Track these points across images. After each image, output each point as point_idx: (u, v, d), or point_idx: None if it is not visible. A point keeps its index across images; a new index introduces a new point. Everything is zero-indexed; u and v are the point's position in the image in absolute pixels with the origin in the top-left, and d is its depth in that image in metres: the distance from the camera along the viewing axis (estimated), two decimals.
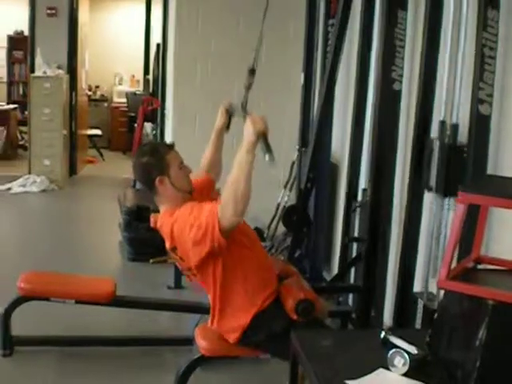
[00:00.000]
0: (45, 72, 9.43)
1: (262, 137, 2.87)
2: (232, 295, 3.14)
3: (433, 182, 3.38)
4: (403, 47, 3.96)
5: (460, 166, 3.21)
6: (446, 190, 3.30)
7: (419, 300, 3.57)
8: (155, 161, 3.15)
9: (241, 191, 2.83)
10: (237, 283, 3.13)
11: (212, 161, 3.56)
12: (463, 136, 3.26)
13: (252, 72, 3.39)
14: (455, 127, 3.29)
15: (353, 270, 4.81)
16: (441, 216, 3.42)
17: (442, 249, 3.40)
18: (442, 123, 3.36)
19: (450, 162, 3.27)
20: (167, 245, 3.22)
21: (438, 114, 3.48)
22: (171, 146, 3.26)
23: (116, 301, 4.26)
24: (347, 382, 2.14)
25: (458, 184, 2.86)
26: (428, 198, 3.58)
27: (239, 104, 3.40)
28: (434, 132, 3.50)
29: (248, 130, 2.88)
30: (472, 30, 3.16)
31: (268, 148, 2.83)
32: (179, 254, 3.18)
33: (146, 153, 3.21)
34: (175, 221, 3.08)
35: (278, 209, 6.02)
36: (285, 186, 6.07)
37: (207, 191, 3.42)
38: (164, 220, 3.18)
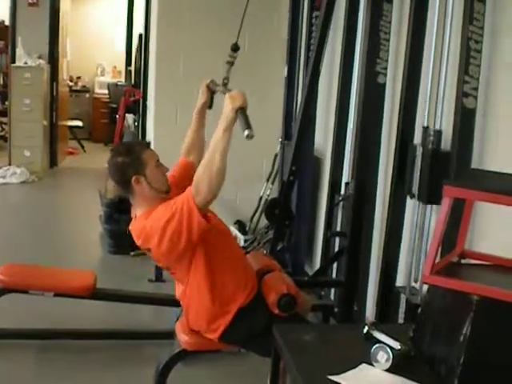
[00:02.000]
0: (26, 62, 9.37)
1: (241, 112, 2.81)
2: (211, 295, 3.10)
3: (415, 189, 3.38)
4: (388, 40, 3.94)
5: (443, 174, 3.18)
6: (429, 197, 3.29)
7: (402, 295, 3.56)
8: (131, 160, 3.07)
9: (215, 167, 2.80)
10: (215, 282, 3.09)
11: (194, 140, 3.48)
12: (447, 142, 3.24)
13: (235, 48, 3.33)
14: (439, 133, 3.28)
15: (335, 265, 4.79)
16: (424, 216, 3.41)
17: (426, 243, 3.39)
18: (425, 129, 3.35)
19: (433, 169, 3.25)
20: (140, 244, 3.15)
21: (421, 119, 3.48)
22: (147, 145, 3.22)
23: (96, 294, 4.22)
24: (330, 376, 2.11)
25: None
26: (410, 204, 3.57)
27: (221, 81, 3.34)
28: (418, 138, 3.50)
29: (227, 107, 2.84)
30: (458, 23, 3.15)
31: (247, 123, 2.77)
32: (153, 255, 3.14)
33: (121, 152, 3.13)
34: (149, 220, 3.01)
35: (260, 202, 6.00)
36: (267, 179, 6.05)
37: (188, 180, 3.33)
38: (139, 222, 3.10)
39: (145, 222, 3.03)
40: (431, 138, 3.30)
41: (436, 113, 3.30)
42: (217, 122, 2.86)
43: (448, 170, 3.15)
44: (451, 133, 3.19)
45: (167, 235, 2.92)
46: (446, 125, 3.27)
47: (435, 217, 3.39)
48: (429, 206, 3.39)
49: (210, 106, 3.43)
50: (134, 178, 3.04)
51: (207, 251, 3.05)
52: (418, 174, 3.34)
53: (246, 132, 2.73)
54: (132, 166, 3.06)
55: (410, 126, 3.62)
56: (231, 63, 3.36)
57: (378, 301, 3.87)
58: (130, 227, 3.17)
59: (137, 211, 3.16)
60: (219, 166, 2.80)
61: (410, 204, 3.62)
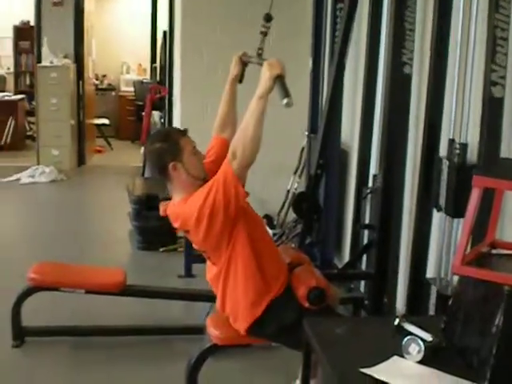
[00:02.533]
0: (51, 62, 9.44)
1: (279, 81, 2.80)
2: (251, 279, 3.10)
3: (442, 201, 3.35)
4: (413, 30, 3.90)
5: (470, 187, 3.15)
6: (456, 211, 3.26)
7: (432, 286, 3.54)
8: (168, 146, 3.09)
9: (250, 132, 2.83)
10: (256, 266, 3.09)
11: (226, 114, 3.44)
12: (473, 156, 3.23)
13: (268, 17, 3.29)
14: (464, 146, 3.26)
15: (364, 257, 4.77)
16: (451, 234, 3.41)
17: (455, 234, 3.37)
18: (452, 142, 3.33)
19: (460, 184, 3.22)
20: (178, 226, 3.18)
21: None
22: (184, 132, 3.21)
23: (126, 290, 4.25)
24: (362, 369, 2.11)
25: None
26: (437, 216, 3.56)
27: (254, 53, 3.27)
28: (443, 151, 3.49)
29: (264, 75, 2.83)
30: (483, 12, 3.11)
31: (286, 91, 2.75)
32: (192, 236, 3.15)
33: (159, 138, 3.16)
34: (188, 202, 3.04)
35: (287, 196, 5.99)
36: (294, 173, 6.04)
37: (222, 159, 3.18)
38: (177, 207, 3.13)
39: (183, 205, 3.05)
40: (457, 152, 3.29)
41: (462, 123, 3.28)
42: (248, 97, 2.85)
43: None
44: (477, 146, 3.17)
45: (205, 211, 2.94)
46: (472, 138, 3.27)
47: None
48: (455, 226, 3.39)
49: (241, 80, 3.38)
50: (171, 164, 3.06)
51: (248, 233, 3.06)
52: (445, 187, 3.32)
53: (285, 100, 2.71)
54: (169, 152, 3.08)
55: (436, 138, 3.62)
56: (265, 33, 3.29)
57: (409, 293, 3.84)
58: (168, 211, 3.20)
59: (174, 197, 3.18)
60: (254, 132, 2.83)
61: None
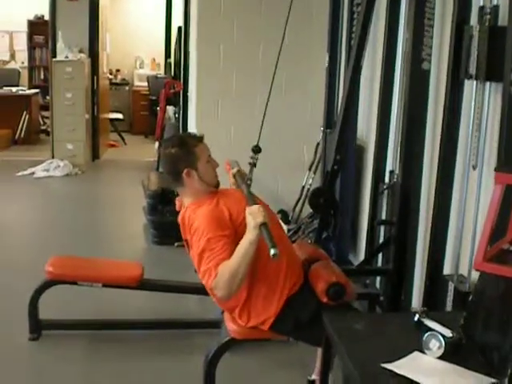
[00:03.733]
0: (67, 56, 9.47)
1: (264, 228, 2.85)
2: (258, 286, 3.14)
3: (473, 68, 3.25)
4: (432, 26, 3.89)
5: (501, 49, 3.04)
6: (488, 74, 3.18)
7: (450, 283, 3.53)
8: (183, 153, 3.12)
9: (238, 280, 2.90)
10: (256, 279, 3.12)
11: None
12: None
13: (257, 149, 3.38)
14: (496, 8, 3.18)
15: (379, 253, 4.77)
16: (482, 104, 3.31)
17: (474, 230, 3.36)
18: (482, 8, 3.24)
19: (491, 46, 3.12)
20: (183, 236, 3.22)
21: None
22: (200, 138, 3.22)
23: (144, 284, 4.27)
24: (383, 365, 2.12)
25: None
26: (468, 86, 3.47)
27: (242, 175, 3.37)
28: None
29: (249, 225, 2.88)
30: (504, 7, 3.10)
31: (271, 240, 2.79)
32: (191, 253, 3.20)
33: (175, 144, 3.17)
34: (195, 223, 3.07)
35: (302, 191, 5.99)
36: (309, 168, 6.04)
37: None
38: (189, 214, 3.15)
39: (192, 217, 3.08)
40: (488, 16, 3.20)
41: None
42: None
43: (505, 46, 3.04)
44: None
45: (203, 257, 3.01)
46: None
47: (494, 99, 3.29)
48: (487, 93, 3.28)
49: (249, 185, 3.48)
50: (185, 171, 3.08)
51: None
52: (476, 53, 3.22)
53: (272, 251, 2.74)
54: (184, 159, 3.10)
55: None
56: (253, 164, 3.64)
57: (426, 289, 3.84)
58: (180, 217, 3.22)
59: (184, 201, 3.20)
60: (242, 277, 2.91)
61: (458, 179, 3.58)
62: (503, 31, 3.04)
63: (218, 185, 3.20)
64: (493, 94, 3.26)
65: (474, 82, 3.31)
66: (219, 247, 2.94)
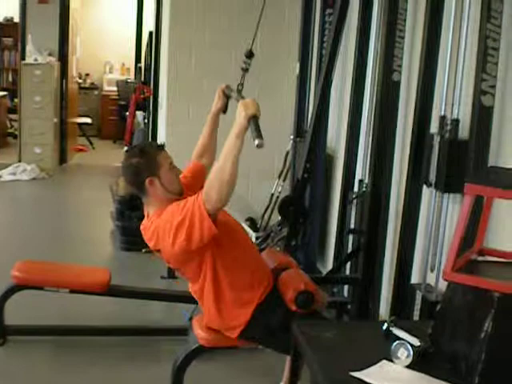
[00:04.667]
0: (36, 59, 9.39)
1: (253, 121, 2.80)
2: (224, 296, 3.12)
3: (432, 177, 3.37)
4: (403, 37, 3.94)
5: (461, 162, 3.18)
6: (447, 186, 3.29)
7: (417, 291, 3.56)
8: (145, 162, 3.08)
9: (226, 175, 2.80)
10: (227, 283, 3.11)
11: (206, 144, 3.49)
12: (464, 131, 3.24)
13: (250, 55, 3.34)
14: (456, 122, 3.28)
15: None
16: (440, 212, 3.42)
17: (442, 239, 3.40)
18: (443, 118, 3.35)
19: (451, 158, 3.24)
20: (151, 246, 3.17)
21: (437, 109, 3.48)
22: (161, 147, 3.22)
23: (111, 290, 4.24)
24: (351, 373, 2.12)
25: (458, 180, 2.86)
26: (427, 192, 3.58)
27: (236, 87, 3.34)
28: (434, 127, 3.50)
29: (240, 115, 2.83)
30: (474, 21, 3.14)
31: (258, 132, 2.76)
32: (164, 256, 3.15)
33: (136, 154, 3.14)
34: (161, 221, 3.03)
35: (271, 199, 6.00)
36: (279, 176, 6.05)
37: (200, 182, 3.28)
38: (150, 223, 3.11)
39: (157, 221, 3.04)
40: (448, 127, 3.31)
41: (452, 113, 3.31)
42: (228, 129, 2.87)
43: (465, 159, 3.16)
44: (468, 136, 3.21)
45: (179, 238, 2.92)
46: (463, 114, 3.29)
47: (452, 207, 3.40)
48: (445, 197, 3.40)
49: (225, 111, 3.45)
50: (147, 180, 3.06)
51: (216, 253, 3.06)
52: (436, 162, 3.33)
53: (257, 141, 2.71)
54: (146, 168, 3.07)
55: (426, 115, 3.63)
56: (246, 70, 3.38)
57: (393, 297, 3.87)
58: (142, 227, 3.19)
59: (149, 210, 3.18)
60: (230, 175, 2.80)
61: (426, 197, 3.62)
62: (464, 144, 3.17)
63: (182, 192, 3.17)
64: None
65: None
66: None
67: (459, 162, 3.21)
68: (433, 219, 3.48)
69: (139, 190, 3.13)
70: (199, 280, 3.14)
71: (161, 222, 3.01)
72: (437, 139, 3.34)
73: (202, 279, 3.12)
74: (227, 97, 3.40)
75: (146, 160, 3.09)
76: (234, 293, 3.13)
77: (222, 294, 3.12)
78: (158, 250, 3.14)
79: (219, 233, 2.95)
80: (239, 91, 3.29)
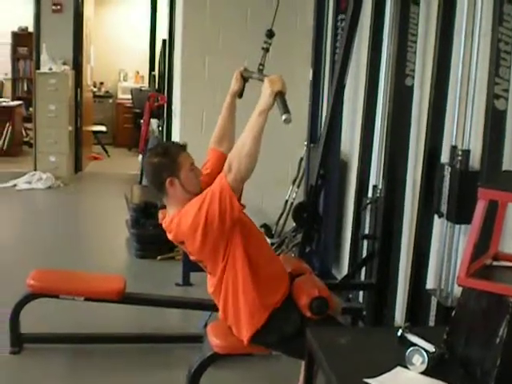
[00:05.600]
0: (50, 68, 9.43)
1: (280, 97, 2.81)
2: (253, 288, 3.09)
3: (444, 208, 3.37)
4: (415, 42, 3.93)
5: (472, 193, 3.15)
6: (458, 217, 3.29)
7: (432, 297, 3.54)
8: (166, 162, 3.10)
9: (246, 151, 2.82)
10: (258, 275, 3.09)
11: (224, 128, 3.45)
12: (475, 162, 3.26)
13: (270, 34, 3.32)
14: (467, 152, 3.29)
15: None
16: (452, 241, 3.43)
17: (456, 245, 3.38)
18: (454, 148, 3.36)
19: (462, 189, 3.25)
20: (172, 238, 3.17)
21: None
22: (183, 147, 3.21)
23: (126, 298, 4.25)
24: (365, 379, 2.11)
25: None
26: (438, 223, 3.59)
27: (255, 69, 3.31)
28: (445, 158, 3.52)
29: (265, 91, 2.84)
30: (487, 26, 3.13)
31: (285, 107, 2.76)
32: (187, 247, 3.14)
33: (158, 153, 3.15)
34: (182, 213, 3.03)
35: (286, 205, 6.00)
36: (293, 183, 6.05)
37: (218, 173, 3.17)
38: (175, 219, 3.11)
39: (178, 216, 3.05)
40: (459, 158, 3.31)
41: (464, 132, 3.31)
42: (247, 113, 2.86)
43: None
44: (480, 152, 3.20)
45: (200, 221, 2.93)
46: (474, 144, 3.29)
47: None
48: (457, 233, 3.42)
49: (241, 95, 3.40)
50: (168, 180, 3.07)
51: (245, 246, 3.05)
52: (447, 193, 3.34)
53: (284, 116, 2.73)
54: (167, 168, 3.08)
55: (438, 148, 3.65)
56: (266, 49, 3.34)
57: (408, 303, 3.85)
58: (164, 225, 3.19)
59: (169, 211, 3.18)
60: (250, 148, 2.83)
61: None
62: (475, 175, 3.16)
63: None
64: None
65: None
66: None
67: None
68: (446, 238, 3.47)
69: (159, 189, 3.13)
70: (223, 273, 3.09)
71: (182, 215, 3.02)
72: (448, 170, 3.36)
73: (228, 271, 3.08)
74: (245, 80, 3.36)
75: (167, 160, 3.10)
76: (263, 287, 3.10)
77: (251, 286, 3.08)
78: (182, 242, 3.14)
79: (244, 227, 2.98)
80: (260, 71, 3.26)
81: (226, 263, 3.08)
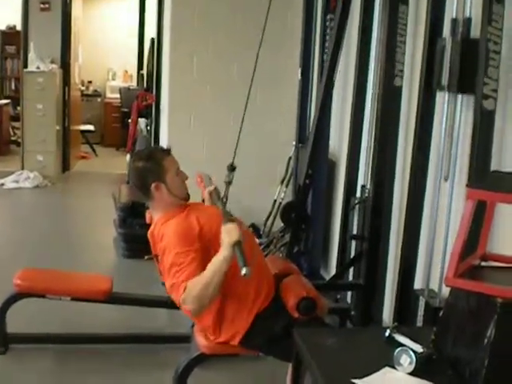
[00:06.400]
0: (38, 67, 9.39)
1: (238, 247, 2.83)
2: (222, 307, 3.11)
3: (445, 80, 3.29)
4: (404, 42, 3.93)
5: (473, 61, 3.09)
6: (460, 86, 3.22)
7: (420, 297, 3.54)
8: (152, 166, 3.09)
9: (209, 293, 2.85)
10: (228, 293, 3.08)
11: None
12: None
13: (232, 168, 3.37)
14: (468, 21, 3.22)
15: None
16: (454, 116, 3.36)
17: (445, 244, 3.38)
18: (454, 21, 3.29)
19: (463, 58, 3.17)
20: (153, 251, 3.18)
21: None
22: (168, 151, 3.21)
23: (113, 298, 4.23)
24: (353, 380, 2.11)
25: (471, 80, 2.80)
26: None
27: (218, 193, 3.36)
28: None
29: (223, 242, 2.85)
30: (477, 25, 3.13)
31: (243, 260, 2.77)
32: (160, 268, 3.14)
33: (143, 157, 3.15)
34: (165, 237, 3.03)
35: (274, 205, 5.99)
36: (281, 183, 6.04)
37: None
38: (156, 228, 3.12)
39: (161, 231, 3.04)
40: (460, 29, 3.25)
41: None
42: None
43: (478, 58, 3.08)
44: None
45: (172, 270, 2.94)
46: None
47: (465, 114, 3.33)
48: (459, 105, 3.32)
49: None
50: (153, 185, 3.06)
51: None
52: (448, 64, 3.25)
53: (244, 270, 2.74)
54: (153, 172, 3.08)
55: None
56: (229, 182, 3.71)
57: (396, 304, 3.85)
58: (149, 233, 3.18)
59: (154, 215, 3.17)
60: (211, 294, 2.86)
61: (429, 200, 3.61)
62: (476, 43, 3.07)
63: (187, 197, 3.18)
64: (464, 107, 3.29)
65: (446, 94, 3.33)
66: (187, 262, 2.90)
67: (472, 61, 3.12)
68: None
69: (145, 193, 3.13)
70: None
71: (165, 240, 3.01)
72: (449, 40, 3.26)
73: None
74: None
75: (152, 164, 3.10)
76: (237, 298, 3.11)
77: (226, 299, 3.09)
78: (157, 258, 3.13)
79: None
80: (224, 204, 3.29)
81: None
